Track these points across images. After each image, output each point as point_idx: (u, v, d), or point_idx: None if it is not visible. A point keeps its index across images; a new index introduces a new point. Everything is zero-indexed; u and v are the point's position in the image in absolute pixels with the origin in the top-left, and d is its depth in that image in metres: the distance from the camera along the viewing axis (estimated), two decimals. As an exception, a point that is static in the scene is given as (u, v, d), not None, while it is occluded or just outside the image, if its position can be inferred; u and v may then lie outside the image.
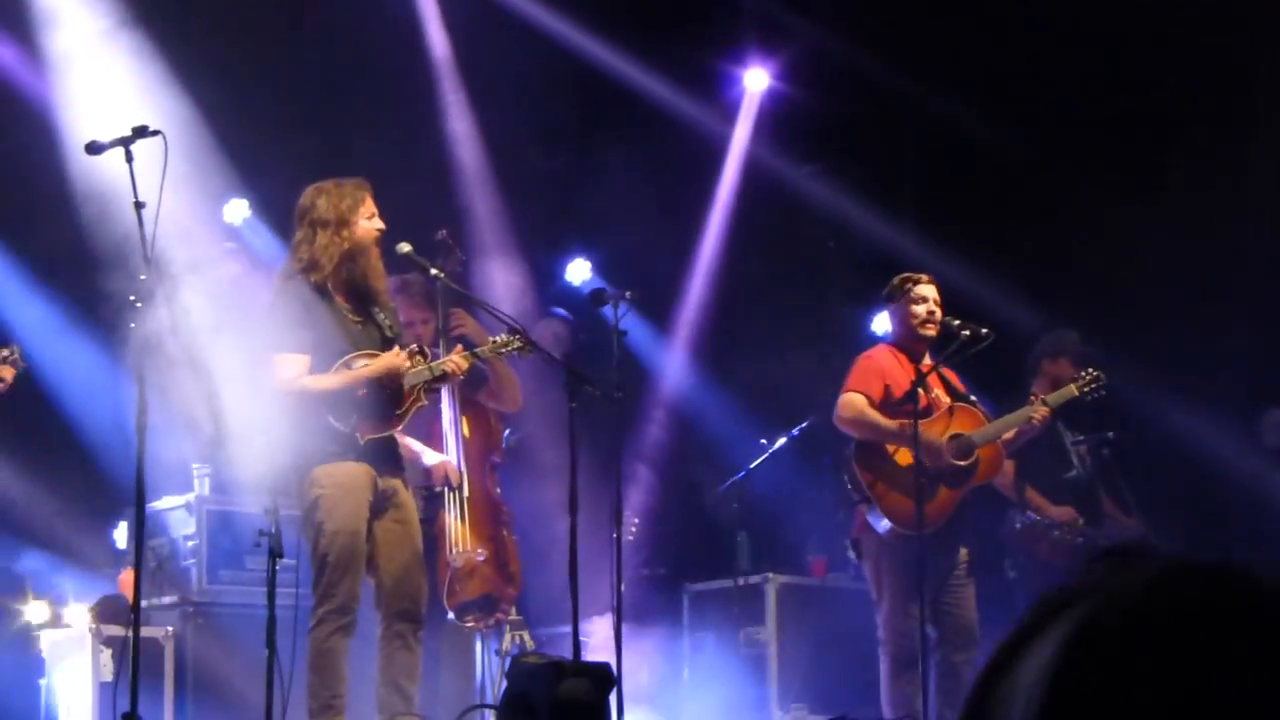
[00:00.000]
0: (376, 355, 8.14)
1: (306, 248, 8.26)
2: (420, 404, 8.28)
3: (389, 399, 8.09)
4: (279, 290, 8.35)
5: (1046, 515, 9.83)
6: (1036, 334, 10.97)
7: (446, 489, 9.13)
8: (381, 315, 8.35)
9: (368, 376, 8.03)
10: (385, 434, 8.14)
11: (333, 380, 8.02)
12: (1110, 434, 10.20)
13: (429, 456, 9.17)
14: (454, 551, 9.05)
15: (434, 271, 8.69)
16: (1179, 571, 1.11)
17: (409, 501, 8.32)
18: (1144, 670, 1.06)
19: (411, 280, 9.23)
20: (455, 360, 8.30)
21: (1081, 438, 10.20)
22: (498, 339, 8.55)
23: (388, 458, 8.24)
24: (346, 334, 8.16)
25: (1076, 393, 9.50)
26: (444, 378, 8.34)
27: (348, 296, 8.27)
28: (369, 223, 8.24)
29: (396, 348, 8.17)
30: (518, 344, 8.49)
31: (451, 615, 9.11)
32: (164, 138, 7.42)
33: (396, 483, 8.25)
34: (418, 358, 8.22)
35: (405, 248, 8.44)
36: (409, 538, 8.23)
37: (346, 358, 8.09)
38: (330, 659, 7.95)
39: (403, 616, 8.16)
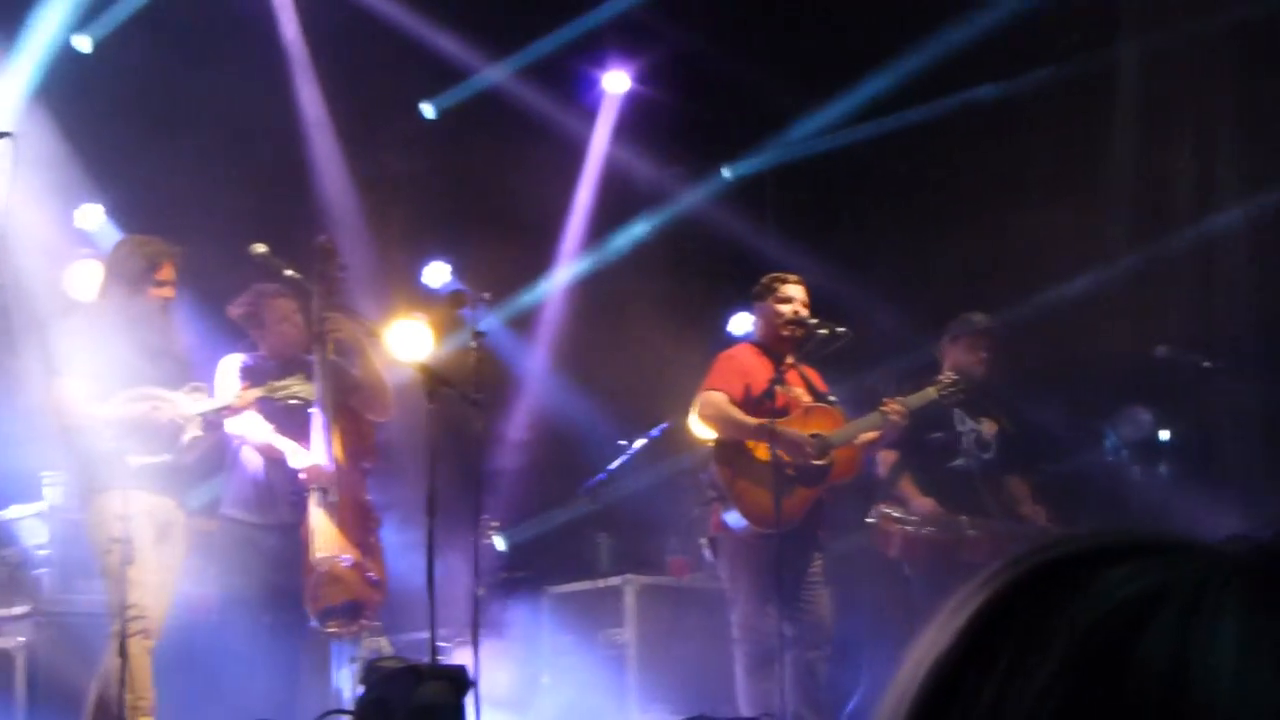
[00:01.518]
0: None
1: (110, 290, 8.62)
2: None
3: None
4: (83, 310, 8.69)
5: (908, 506, 9.78)
6: (898, 333, 11.06)
7: (316, 492, 9.01)
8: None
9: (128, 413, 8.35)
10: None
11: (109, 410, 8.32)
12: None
13: (298, 458, 9.04)
14: (319, 556, 8.95)
15: (289, 273, 8.64)
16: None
17: (179, 531, 8.56)
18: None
19: (267, 287, 9.16)
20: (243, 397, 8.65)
21: (982, 424, 10.06)
22: (281, 382, 8.75)
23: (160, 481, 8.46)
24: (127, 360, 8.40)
25: (935, 394, 9.50)
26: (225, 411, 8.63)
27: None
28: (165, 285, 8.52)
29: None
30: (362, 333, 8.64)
31: (314, 621, 9.00)
32: (13, 140, 7.32)
33: (172, 505, 8.52)
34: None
35: (260, 248, 8.38)
36: (171, 562, 8.53)
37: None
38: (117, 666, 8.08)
39: (143, 633, 8.33)
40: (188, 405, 8.36)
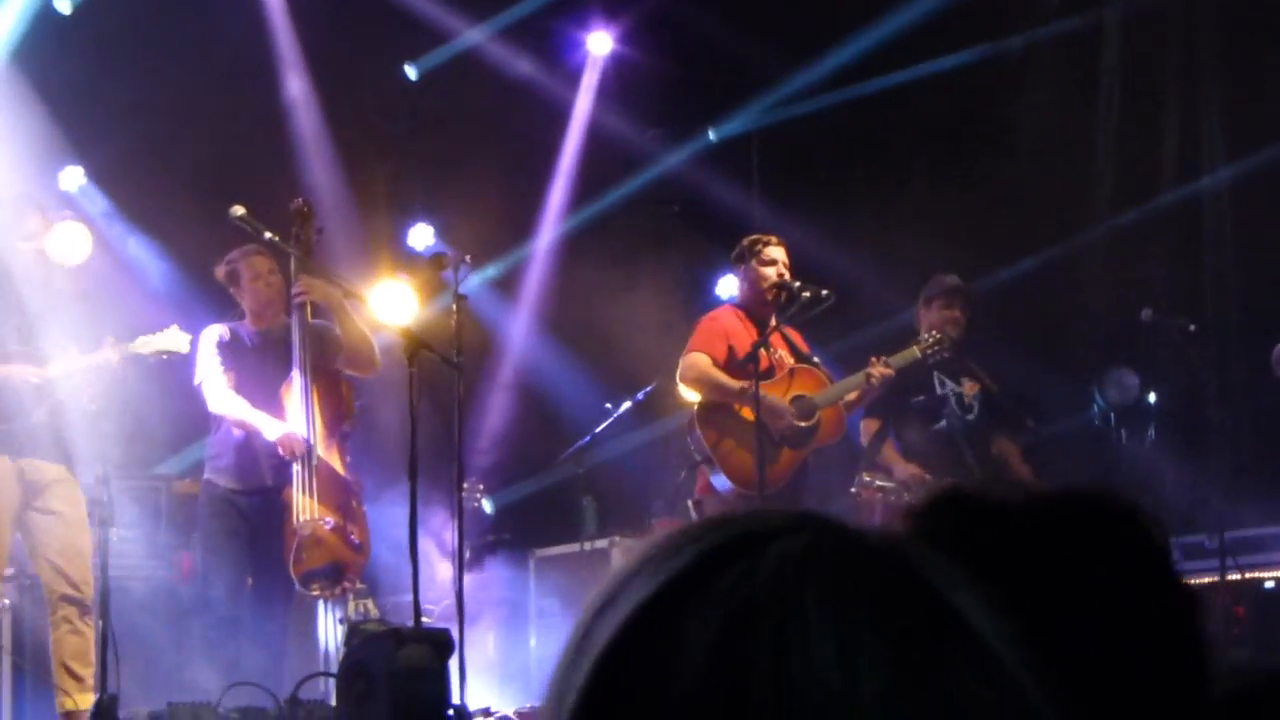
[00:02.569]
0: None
1: None
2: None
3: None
4: None
5: (891, 474, 9.77)
6: (880, 296, 11.05)
7: (294, 459, 8.98)
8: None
9: None
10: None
11: None
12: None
13: (271, 430, 9.00)
14: (300, 520, 8.93)
15: (269, 235, 8.60)
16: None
17: (64, 491, 8.50)
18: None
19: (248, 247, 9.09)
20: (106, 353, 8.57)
21: (963, 384, 10.04)
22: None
23: (30, 445, 8.40)
24: None
25: (919, 353, 9.49)
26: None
27: None
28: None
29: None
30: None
31: (297, 584, 8.99)
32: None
33: (49, 470, 8.45)
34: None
35: (239, 210, 8.30)
36: (60, 525, 8.44)
37: None
38: None
39: (66, 600, 8.36)
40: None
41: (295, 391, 9.04)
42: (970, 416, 9.90)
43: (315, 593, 9.07)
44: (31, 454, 8.41)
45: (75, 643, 8.29)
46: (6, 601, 9.68)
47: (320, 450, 8.99)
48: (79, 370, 8.49)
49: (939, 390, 9.91)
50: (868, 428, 9.90)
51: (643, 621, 1.02)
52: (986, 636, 1.01)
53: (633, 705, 0.99)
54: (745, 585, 1.00)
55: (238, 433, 8.92)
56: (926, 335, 9.65)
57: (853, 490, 9.76)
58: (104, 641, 7.83)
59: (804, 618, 0.98)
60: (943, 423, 9.87)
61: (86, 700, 8.11)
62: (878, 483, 9.67)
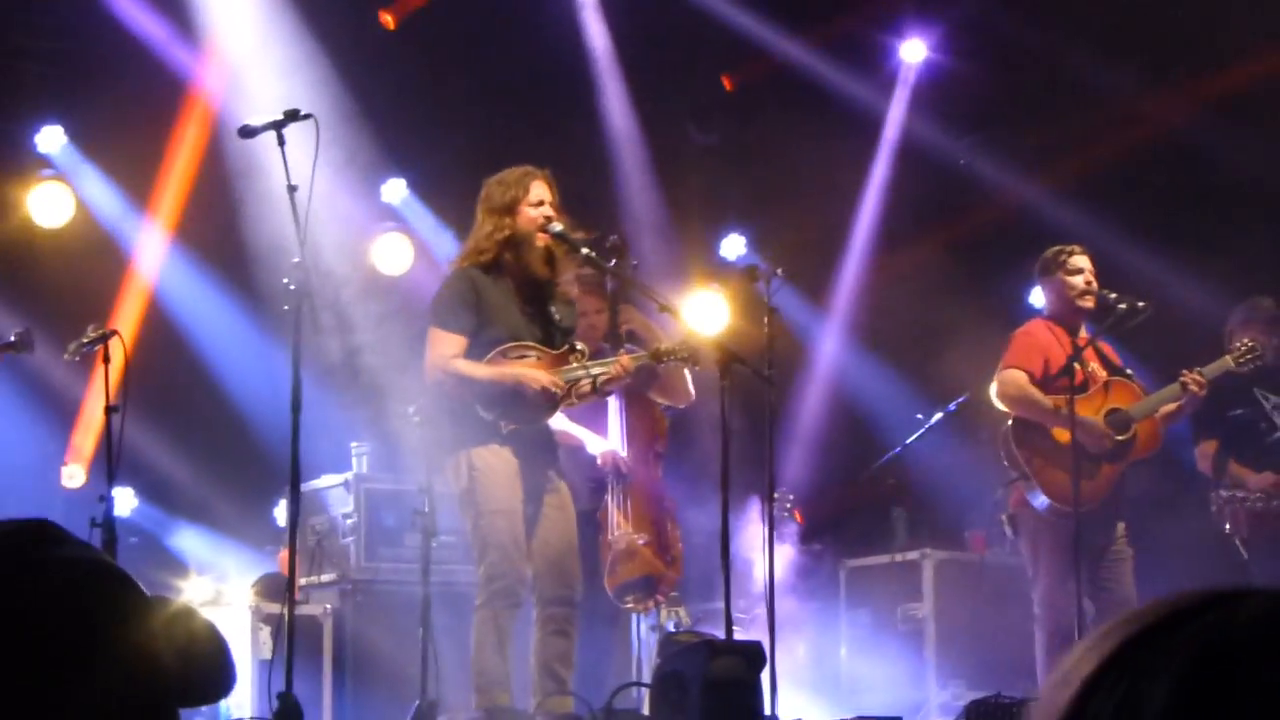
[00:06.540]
0: (533, 348, 8.20)
1: (474, 234, 8.35)
2: (572, 402, 8.34)
3: (533, 397, 8.15)
4: (450, 272, 8.47)
5: (1246, 486, 9.70)
6: (1203, 307, 10.86)
7: (612, 476, 9.21)
8: (554, 308, 8.37)
9: (500, 378, 8.11)
10: (529, 427, 8.21)
11: (480, 370, 8.07)
12: None
13: (594, 445, 9.25)
14: (615, 534, 9.13)
15: (585, 250, 8.62)
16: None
17: (563, 489, 8.34)
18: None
19: (587, 273, 9.17)
20: (621, 363, 8.37)
21: None
22: (663, 348, 8.56)
23: (538, 447, 8.29)
24: (507, 322, 8.20)
25: (1232, 364, 9.35)
26: (609, 381, 8.39)
27: (520, 285, 8.31)
28: (535, 210, 8.26)
29: (532, 358, 8.23)
30: (683, 354, 8.53)
31: (612, 596, 9.19)
32: (315, 121, 7.49)
33: (550, 472, 8.31)
34: (575, 355, 8.27)
35: (557, 226, 8.40)
36: (563, 524, 8.27)
37: (504, 346, 8.14)
38: (494, 638, 8.02)
39: (557, 602, 8.18)
40: (566, 373, 8.20)
41: (613, 415, 9.26)
42: None
43: (629, 605, 9.26)
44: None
45: (560, 645, 8.16)
46: (329, 606, 9.95)
47: (635, 468, 9.19)
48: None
49: (1265, 404, 9.79)
50: (1205, 450, 9.89)
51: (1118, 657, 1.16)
52: None
53: None
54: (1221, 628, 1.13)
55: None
56: (1239, 345, 9.51)
57: (1213, 509, 9.70)
58: (424, 648, 8.04)
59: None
60: (1277, 434, 9.76)
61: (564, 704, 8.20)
62: (1238, 494, 9.62)
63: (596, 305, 9.29)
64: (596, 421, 9.34)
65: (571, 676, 8.14)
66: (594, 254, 8.34)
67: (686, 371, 9.12)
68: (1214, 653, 1.10)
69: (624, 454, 9.28)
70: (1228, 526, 9.67)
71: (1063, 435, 8.97)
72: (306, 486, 9.49)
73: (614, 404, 9.28)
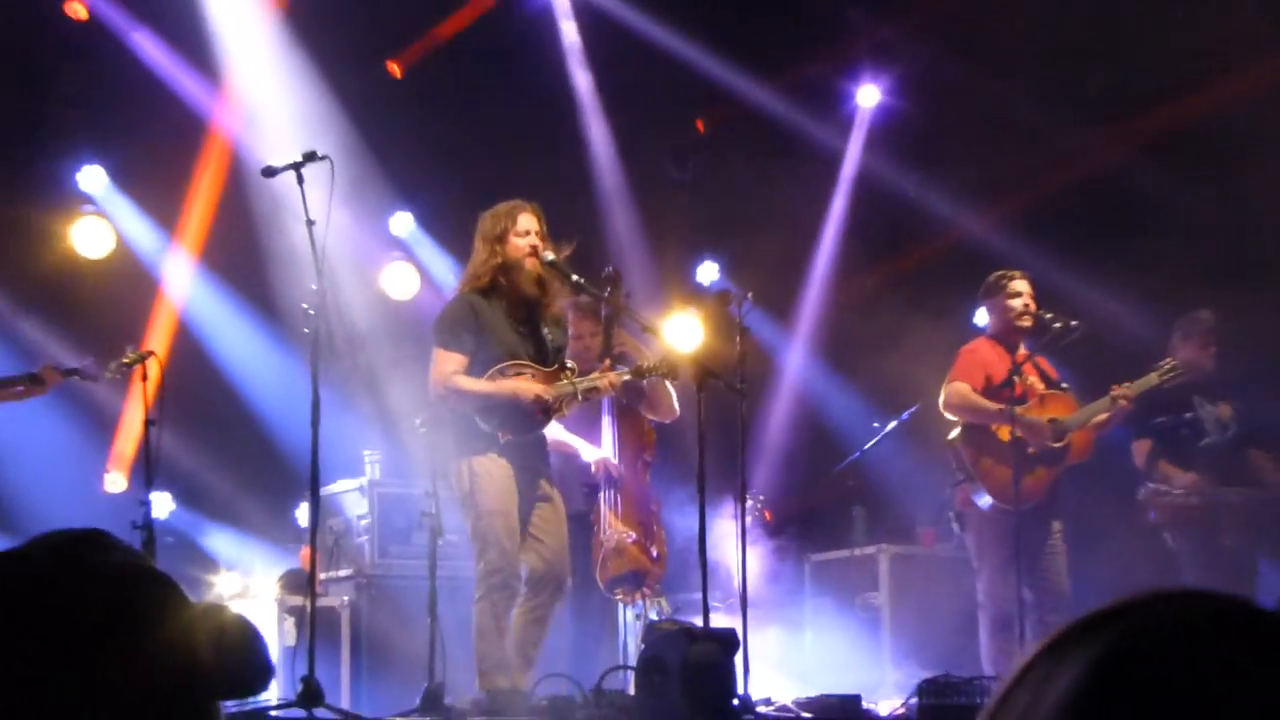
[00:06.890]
0: (528, 366, 8.24)
1: (472, 261, 8.41)
2: (562, 414, 8.39)
3: (527, 407, 8.18)
4: (451, 297, 8.51)
5: (1171, 483, 9.74)
6: (1131, 326, 10.90)
7: (604, 481, 9.31)
8: (546, 328, 8.42)
9: (497, 392, 8.14)
10: (524, 438, 8.25)
11: (479, 385, 8.12)
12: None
13: (589, 453, 9.37)
14: (607, 533, 9.23)
15: (575, 278, 8.61)
16: (1212, 608, 1.15)
17: (555, 495, 8.41)
18: (1168, 701, 1.08)
19: (584, 300, 9.20)
20: (609, 379, 8.43)
21: (1219, 406, 9.95)
22: (646, 365, 8.63)
23: (532, 457, 8.34)
24: (504, 341, 8.24)
25: (1157, 380, 9.39)
26: (593, 392, 8.47)
27: (514, 307, 8.35)
28: (522, 239, 8.30)
29: (528, 375, 8.26)
30: (664, 370, 8.63)
31: (603, 589, 9.28)
32: (331, 162, 7.53)
33: (542, 479, 8.37)
34: (565, 373, 8.32)
35: (550, 255, 8.40)
36: (555, 525, 8.34)
37: (501, 365, 8.18)
38: (494, 626, 8.04)
39: (546, 593, 8.25)
40: (556, 389, 8.24)
41: (606, 427, 9.38)
42: (1230, 433, 9.82)
43: (619, 597, 9.36)
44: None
45: (536, 631, 8.19)
46: (346, 599, 9.97)
47: (625, 474, 9.30)
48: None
49: (1199, 411, 9.84)
50: (1140, 448, 9.97)
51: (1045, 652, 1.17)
52: None
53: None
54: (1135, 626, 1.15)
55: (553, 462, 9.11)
56: (1164, 363, 9.53)
57: (1140, 498, 9.79)
58: (431, 636, 8.06)
59: None
60: (1208, 439, 9.80)
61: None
62: (1163, 489, 9.68)
63: (592, 329, 9.33)
64: (591, 433, 9.45)
65: (538, 655, 8.19)
66: (583, 280, 8.37)
67: (672, 390, 9.20)
68: (1122, 647, 1.11)
69: (615, 461, 9.38)
70: (1153, 515, 9.78)
71: (1005, 434, 9.05)
72: (325, 491, 9.49)
73: (607, 418, 9.41)
